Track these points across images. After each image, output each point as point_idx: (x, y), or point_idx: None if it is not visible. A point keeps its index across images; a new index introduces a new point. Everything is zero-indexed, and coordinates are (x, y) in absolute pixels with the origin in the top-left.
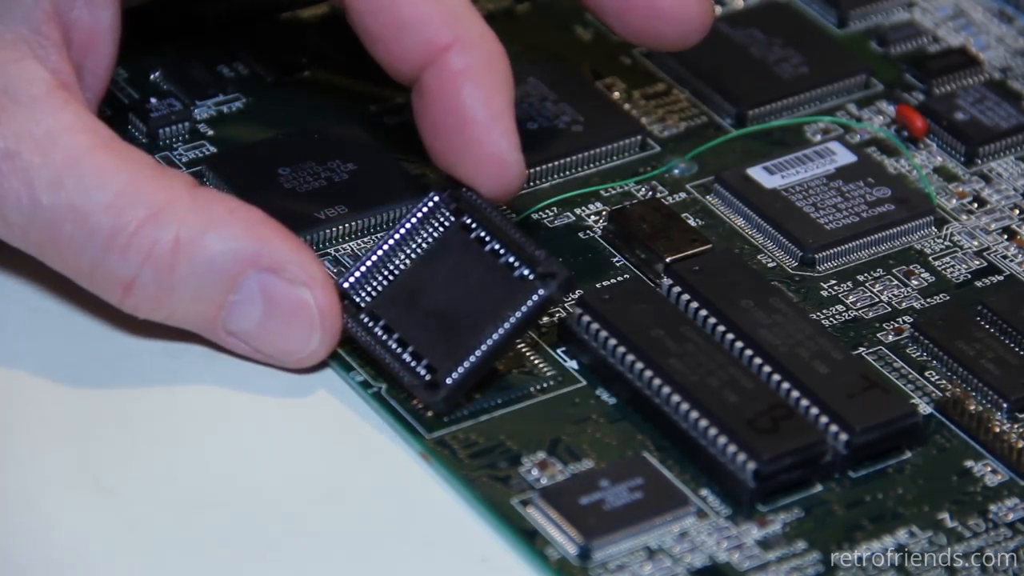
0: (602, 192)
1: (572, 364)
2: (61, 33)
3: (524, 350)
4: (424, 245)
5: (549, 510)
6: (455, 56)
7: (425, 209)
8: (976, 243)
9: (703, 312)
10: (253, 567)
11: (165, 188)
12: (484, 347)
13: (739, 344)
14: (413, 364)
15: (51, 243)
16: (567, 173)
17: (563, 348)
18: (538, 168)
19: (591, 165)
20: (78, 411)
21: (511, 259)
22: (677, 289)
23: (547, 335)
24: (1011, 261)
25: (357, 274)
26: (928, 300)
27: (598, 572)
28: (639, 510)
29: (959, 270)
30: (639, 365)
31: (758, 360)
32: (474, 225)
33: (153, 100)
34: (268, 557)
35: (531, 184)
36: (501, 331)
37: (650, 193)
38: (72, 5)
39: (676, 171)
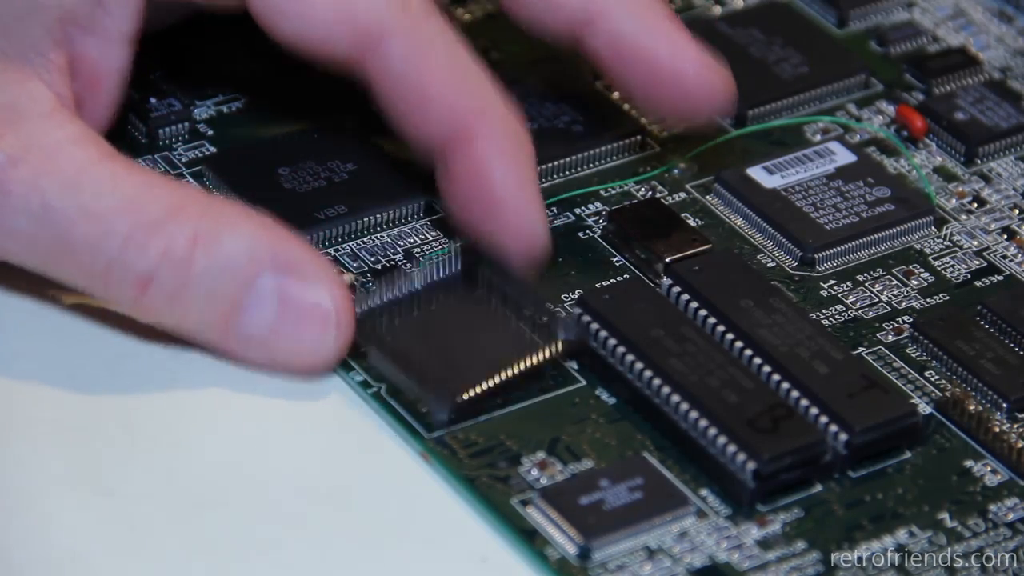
0: (602, 192)
1: (572, 364)
2: (67, 62)
3: None
4: (441, 295)
5: (549, 510)
6: (483, 134)
7: (447, 271)
8: (976, 243)
9: (703, 312)
10: (253, 567)
11: (179, 191)
12: (496, 379)
13: (739, 344)
14: (424, 374)
15: (63, 246)
16: (567, 173)
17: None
18: (538, 168)
19: (591, 165)
20: (78, 411)
21: (529, 316)
22: (677, 289)
23: None
24: (1011, 261)
25: (367, 306)
26: (928, 300)
27: (598, 572)
28: (639, 510)
29: (959, 270)
30: (639, 365)
31: (758, 360)
32: (495, 286)
33: (153, 100)
34: (268, 557)
35: None
36: (513, 371)
37: (650, 193)
38: (83, 40)
39: (676, 171)
